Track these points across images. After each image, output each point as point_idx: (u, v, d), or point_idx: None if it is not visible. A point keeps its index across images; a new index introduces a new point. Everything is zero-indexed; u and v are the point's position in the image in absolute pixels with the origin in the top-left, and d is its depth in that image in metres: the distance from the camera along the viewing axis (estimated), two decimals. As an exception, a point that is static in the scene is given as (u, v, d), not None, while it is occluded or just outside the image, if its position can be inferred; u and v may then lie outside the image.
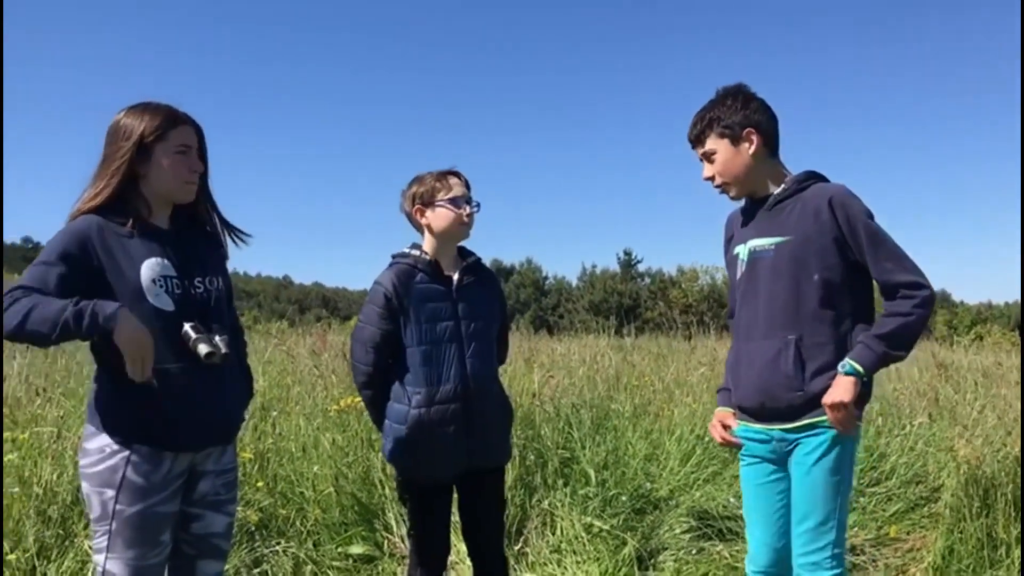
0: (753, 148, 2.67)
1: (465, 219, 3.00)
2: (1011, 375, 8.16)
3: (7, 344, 6.14)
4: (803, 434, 2.59)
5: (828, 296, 2.56)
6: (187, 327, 2.32)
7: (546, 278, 59.09)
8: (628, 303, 48.85)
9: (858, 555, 4.56)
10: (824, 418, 2.54)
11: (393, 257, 3.06)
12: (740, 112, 2.66)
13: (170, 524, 2.38)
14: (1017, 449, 4.63)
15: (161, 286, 2.33)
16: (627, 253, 55.60)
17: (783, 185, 2.70)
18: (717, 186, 2.75)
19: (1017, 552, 4.09)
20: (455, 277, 3.01)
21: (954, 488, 4.56)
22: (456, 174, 3.05)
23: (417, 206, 3.02)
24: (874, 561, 4.53)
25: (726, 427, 2.80)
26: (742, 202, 2.84)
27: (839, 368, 2.51)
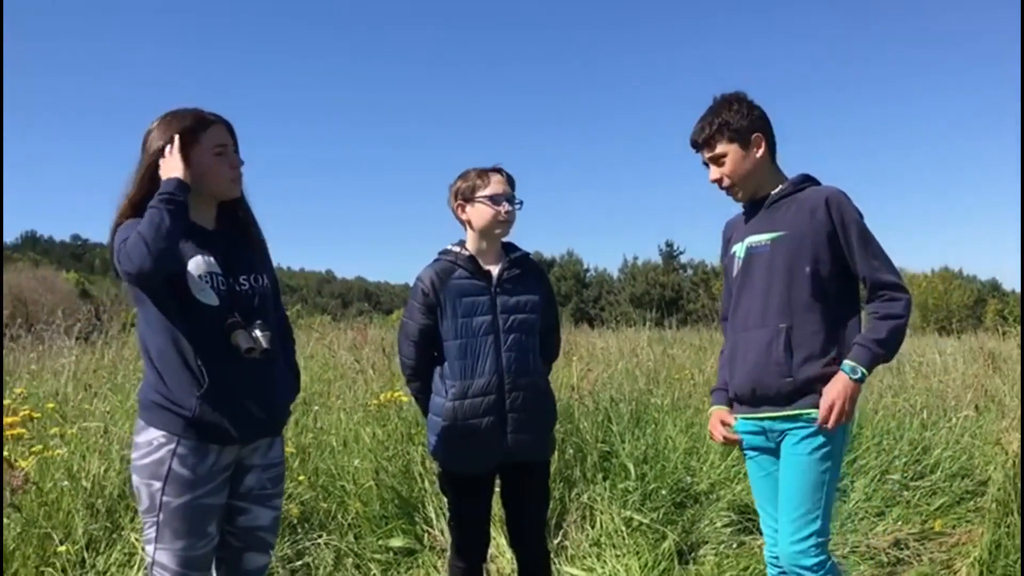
0: (760, 152, 2.79)
1: (503, 216, 3.02)
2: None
3: (58, 339, 6.28)
4: (791, 424, 2.69)
5: (818, 289, 2.68)
6: (228, 322, 2.38)
7: (587, 270, 58.91)
8: (670, 295, 48.56)
9: (903, 549, 4.51)
10: (811, 411, 2.64)
11: (438, 254, 3.11)
12: (747, 118, 2.78)
13: (217, 516, 2.42)
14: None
15: (207, 282, 2.38)
16: (669, 244, 55.33)
17: (781, 186, 2.82)
18: (724, 188, 2.86)
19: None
20: (495, 272, 3.03)
21: (1001, 482, 4.49)
22: (499, 171, 3.08)
23: (459, 202, 3.07)
24: (919, 556, 4.47)
25: (726, 424, 2.88)
26: (739, 208, 2.96)
27: (845, 371, 2.60)
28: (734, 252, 2.89)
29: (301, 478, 4.36)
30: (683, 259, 54.86)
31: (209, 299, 2.37)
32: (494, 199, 3.01)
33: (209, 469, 2.37)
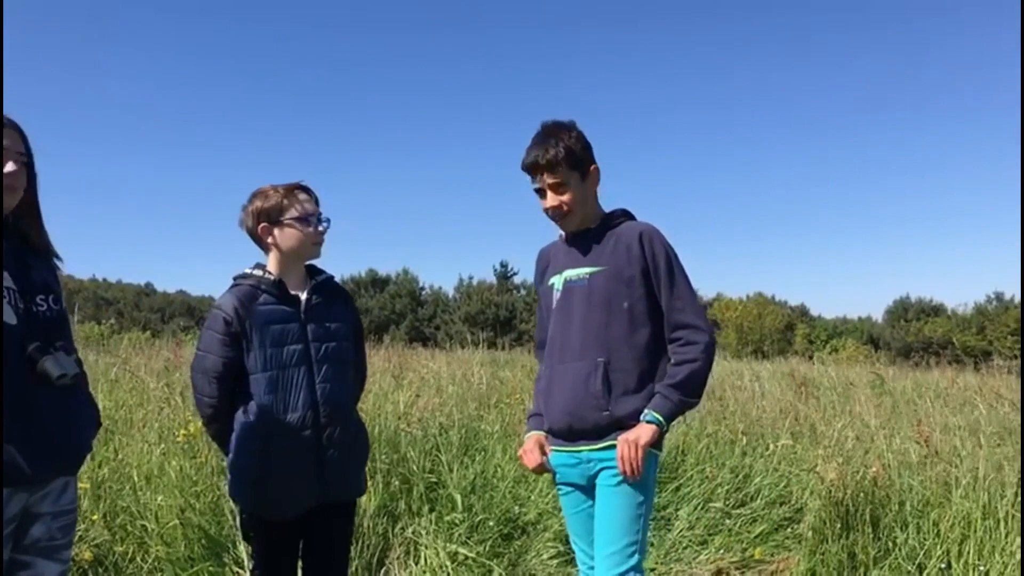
0: (596, 183, 2.82)
1: (317, 238, 2.82)
2: (865, 393, 8.50)
3: None
4: (605, 455, 2.68)
5: (635, 324, 2.70)
6: (31, 348, 2.07)
7: (423, 289, 58.77)
8: (504, 315, 49.18)
9: (723, 578, 4.56)
10: None
11: (235, 279, 2.84)
12: (586, 148, 2.77)
13: None
14: (874, 470, 4.73)
15: (4, 298, 2.05)
16: (503, 265, 55.97)
17: (600, 219, 2.84)
18: (559, 214, 2.79)
19: (875, 573, 4.16)
20: (303, 297, 2.81)
21: (816, 509, 4.63)
22: (305, 189, 2.85)
23: (262, 224, 2.80)
24: (739, 584, 4.54)
25: (543, 452, 2.85)
26: (556, 237, 2.96)
27: (642, 416, 2.63)
28: (552, 283, 2.88)
29: (95, 518, 3.94)
30: (516, 280, 55.67)
31: (6, 316, 2.04)
32: (305, 220, 2.79)
33: None
